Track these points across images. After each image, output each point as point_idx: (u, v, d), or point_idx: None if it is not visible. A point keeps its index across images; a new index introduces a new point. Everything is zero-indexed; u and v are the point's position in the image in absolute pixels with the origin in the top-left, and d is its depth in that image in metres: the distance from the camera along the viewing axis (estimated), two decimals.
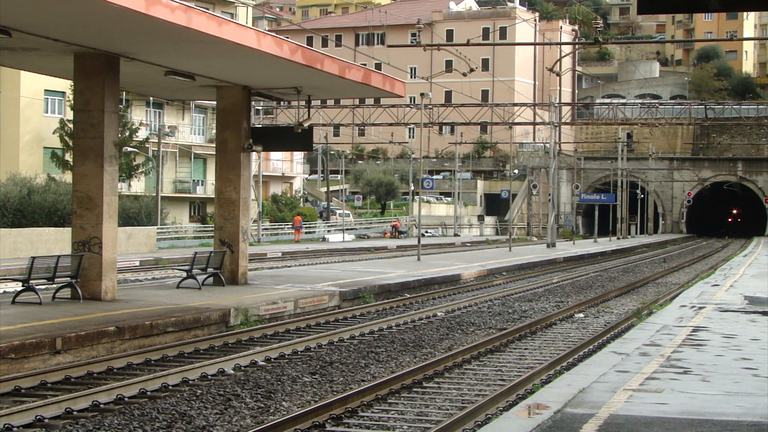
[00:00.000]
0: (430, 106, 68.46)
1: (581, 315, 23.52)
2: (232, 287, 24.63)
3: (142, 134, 59.97)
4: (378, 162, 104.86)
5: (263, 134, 27.03)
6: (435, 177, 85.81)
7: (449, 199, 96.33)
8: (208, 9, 26.49)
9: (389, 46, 46.64)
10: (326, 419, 11.60)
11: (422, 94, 48.46)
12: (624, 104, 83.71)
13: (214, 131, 43.68)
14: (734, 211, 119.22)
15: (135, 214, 53.25)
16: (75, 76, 21.21)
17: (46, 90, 57.36)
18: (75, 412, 11.91)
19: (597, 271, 40.65)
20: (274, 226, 68.38)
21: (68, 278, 20.56)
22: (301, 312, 22.25)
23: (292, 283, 26.38)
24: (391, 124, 69.95)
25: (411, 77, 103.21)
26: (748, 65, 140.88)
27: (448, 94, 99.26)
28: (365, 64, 46.58)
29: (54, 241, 39.03)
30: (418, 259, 39.80)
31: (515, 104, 71.55)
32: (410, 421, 11.77)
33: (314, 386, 13.80)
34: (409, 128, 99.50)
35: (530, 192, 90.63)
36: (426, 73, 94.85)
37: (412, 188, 76.95)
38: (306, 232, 70.12)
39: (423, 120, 50.86)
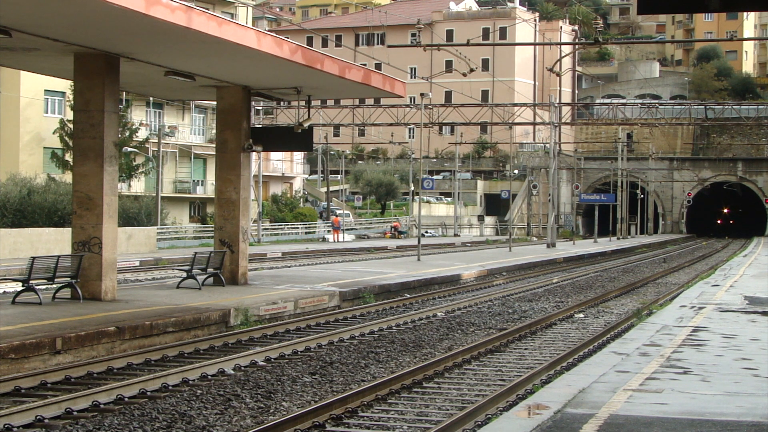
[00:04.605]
0: (430, 106, 68.46)
1: (581, 315, 23.52)
2: (232, 287, 24.63)
3: (142, 134, 59.96)
4: (378, 162, 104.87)
5: (263, 134, 27.04)
6: (435, 177, 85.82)
7: (449, 199, 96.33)
8: (208, 9, 26.49)
9: (389, 46, 46.59)
10: (326, 419, 11.60)
11: (422, 94, 48.45)
12: (624, 104, 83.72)
13: (214, 131, 43.69)
14: (734, 212, 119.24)
15: (135, 214, 53.25)
16: (75, 76, 21.21)
17: (46, 90, 57.35)
18: (75, 412, 11.91)
19: (597, 272, 40.64)
20: (274, 226, 68.40)
21: (68, 278, 20.56)
22: (301, 312, 22.25)
23: (292, 283, 26.39)
24: (391, 124, 69.96)
25: (411, 77, 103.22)
26: (748, 65, 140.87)
27: (448, 94, 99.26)
28: (365, 64, 46.58)
29: (54, 241, 39.02)
30: (418, 260, 39.80)
31: (515, 104, 71.57)
32: (410, 422, 11.77)
33: (314, 386, 13.80)
34: (409, 128, 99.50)
35: (530, 192, 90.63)
36: (426, 73, 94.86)
37: (412, 188, 76.92)
38: (306, 233, 70.19)
39: (423, 120, 50.85)
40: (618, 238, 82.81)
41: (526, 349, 17.86)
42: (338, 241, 65.64)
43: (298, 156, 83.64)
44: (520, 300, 26.80)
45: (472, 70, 36.80)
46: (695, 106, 73.03)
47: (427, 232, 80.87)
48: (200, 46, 19.73)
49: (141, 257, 40.94)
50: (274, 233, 66.51)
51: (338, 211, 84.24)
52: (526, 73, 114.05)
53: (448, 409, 12.45)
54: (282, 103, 48.99)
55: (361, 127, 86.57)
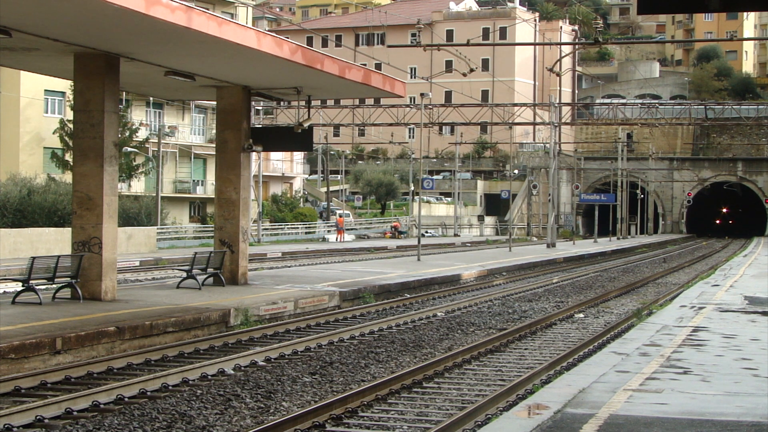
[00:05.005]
0: (430, 106, 68.47)
1: (581, 315, 23.52)
2: (232, 287, 24.63)
3: (142, 134, 59.96)
4: (378, 162, 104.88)
5: (263, 134, 27.04)
6: (435, 177, 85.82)
7: (449, 199, 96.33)
8: (208, 9, 26.48)
9: (389, 46, 46.60)
10: (326, 419, 11.60)
11: (422, 94, 48.44)
12: (624, 104, 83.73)
13: (214, 131, 43.69)
14: (734, 212, 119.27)
15: (135, 214, 53.25)
16: (75, 76, 21.21)
17: (46, 90, 57.35)
18: (75, 412, 11.91)
19: (597, 272, 40.64)
20: (274, 226, 68.41)
21: (68, 278, 20.56)
22: (301, 312, 22.25)
23: (292, 283, 26.38)
24: (391, 124, 69.98)
25: (411, 77, 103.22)
26: (748, 65, 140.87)
27: (448, 94, 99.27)
28: (365, 64, 46.58)
29: (54, 241, 39.02)
30: (418, 260, 39.80)
31: (515, 104, 71.59)
32: (410, 422, 11.77)
33: (314, 386, 13.81)
34: (409, 128, 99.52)
35: (530, 192, 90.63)
36: (426, 73, 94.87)
37: (412, 188, 76.94)
38: (306, 233, 70.19)
39: (423, 120, 50.84)
40: (618, 238, 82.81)
41: (526, 349, 17.86)
42: (339, 241, 65.73)
43: (298, 156, 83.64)
44: (520, 300, 26.80)
45: (472, 70, 36.79)
46: (695, 106, 73.06)
47: (427, 232, 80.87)
48: (200, 46, 19.73)
49: (141, 257, 40.94)
50: (274, 233, 66.52)
51: (338, 211, 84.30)
52: (526, 73, 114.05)
53: (448, 409, 12.45)
54: (282, 103, 48.99)
55: (361, 127, 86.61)
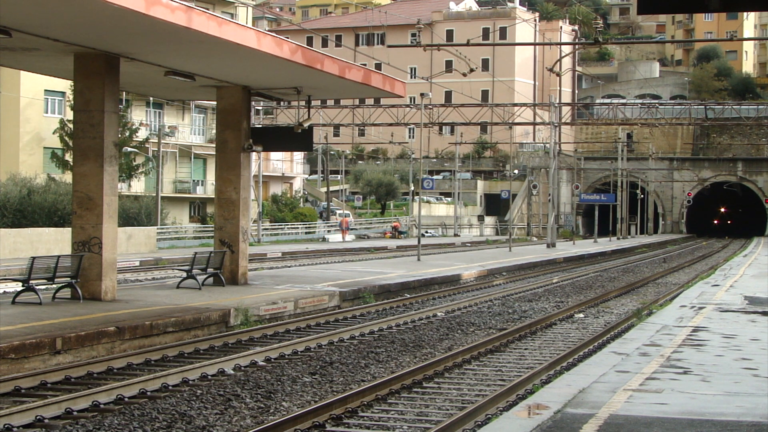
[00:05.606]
0: (430, 106, 68.47)
1: (581, 315, 23.52)
2: (232, 287, 24.64)
3: (142, 134, 59.96)
4: (378, 162, 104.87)
5: (263, 134, 27.05)
6: (435, 177, 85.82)
7: (449, 199, 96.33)
8: (208, 9, 26.50)
9: (389, 46, 46.62)
10: (326, 419, 11.61)
11: (422, 94, 48.44)
12: (624, 104, 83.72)
13: (214, 131, 43.69)
14: (734, 212, 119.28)
15: (135, 214, 53.25)
16: (75, 76, 21.22)
17: (46, 90, 57.35)
18: (75, 412, 11.91)
19: (597, 272, 40.64)
20: (274, 226, 68.41)
21: (68, 278, 20.55)
22: (301, 312, 22.25)
23: (292, 283, 26.39)
24: (391, 124, 69.97)
25: (411, 77, 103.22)
26: (748, 65, 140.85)
27: (448, 94, 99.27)
28: (365, 64, 46.57)
29: (54, 241, 39.01)
30: (418, 260, 39.80)
31: (515, 104, 71.58)
32: (410, 422, 11.77)
33: (314, 386, 13.81)
34: (409, 128, 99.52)
35: (530, 192, 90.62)
36: (426, 73, 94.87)
37: (412, 188, 76.95)
38: (306, 233, 70.20)
39: (423, 120, 50.81)
40: (618, 238, 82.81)
41: (526, 349, 17.86)
42: (341, 242, 65.79)
43: (298, 156, 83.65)
44: (520, 300, 26.80)
45: (472, 70, 36.77)
46: (695, 106, 73.06)
47: (427, 232, 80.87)
48: (200, 46, 19.73)
49: (141, 257, 40.94)
50: (274, 233, 66.52)
51: (339, 212, 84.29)
52: (526, 73, 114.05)
53: (448, 409, 12.45)
54: (282, 103, 49.01)
55: (361, 127, 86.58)
